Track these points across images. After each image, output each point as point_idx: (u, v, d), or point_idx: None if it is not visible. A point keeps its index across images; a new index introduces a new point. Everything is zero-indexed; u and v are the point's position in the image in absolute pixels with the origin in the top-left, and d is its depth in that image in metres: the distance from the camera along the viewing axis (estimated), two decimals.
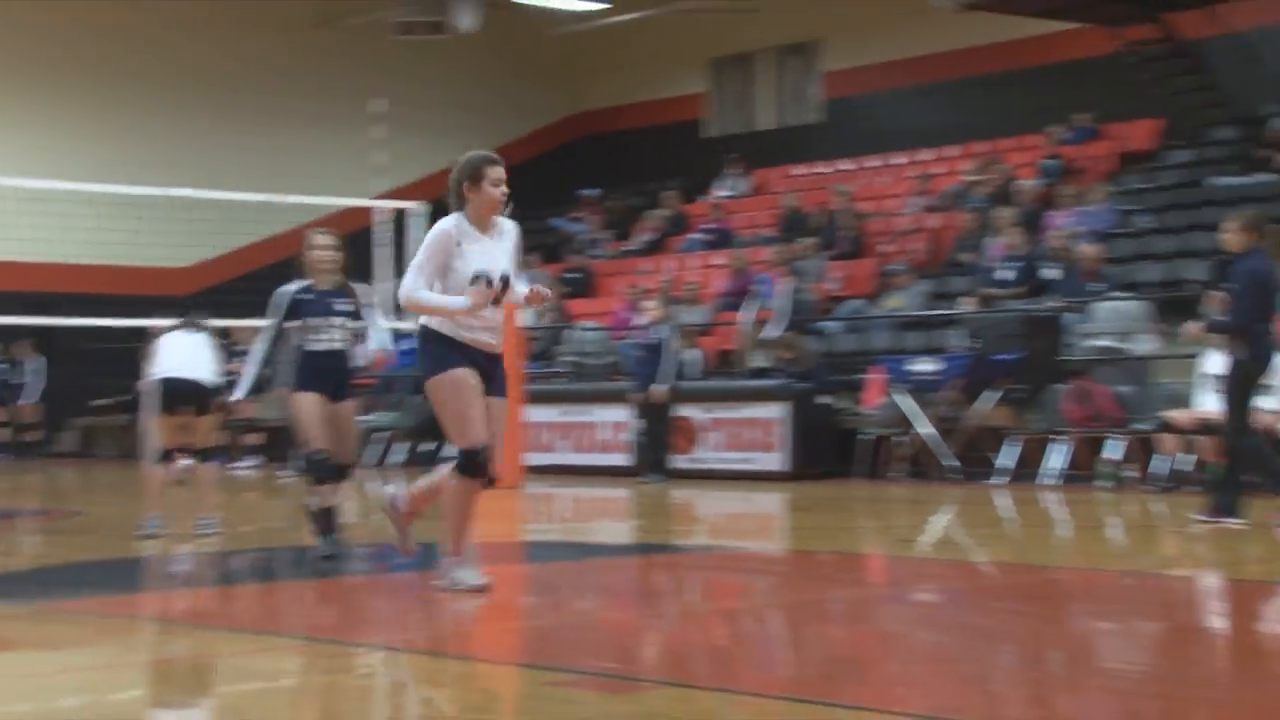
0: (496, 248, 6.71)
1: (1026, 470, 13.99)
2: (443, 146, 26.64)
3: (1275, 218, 14.48)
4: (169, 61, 24.33)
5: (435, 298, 6.61)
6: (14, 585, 7.68)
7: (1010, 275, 17.02)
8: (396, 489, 7.33)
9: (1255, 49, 19.81)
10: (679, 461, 15.72)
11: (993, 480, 14.10)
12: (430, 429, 14.46)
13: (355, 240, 9.32)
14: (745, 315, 17.42)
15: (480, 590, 6.66)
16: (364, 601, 7.20)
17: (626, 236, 23.65)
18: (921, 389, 14.96)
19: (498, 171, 6.71)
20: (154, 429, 10.08)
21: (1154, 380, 14.40)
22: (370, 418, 17.37)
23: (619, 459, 16.36)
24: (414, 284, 6.60)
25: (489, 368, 6.74)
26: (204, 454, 10.00)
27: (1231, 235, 9.77)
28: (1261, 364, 9.68)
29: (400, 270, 8.55)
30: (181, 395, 9.79)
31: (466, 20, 22.10)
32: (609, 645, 5.76)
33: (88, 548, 9.64)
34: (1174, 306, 16.46)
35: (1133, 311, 15.21)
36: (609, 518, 12.68)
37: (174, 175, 19.02)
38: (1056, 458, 13.86)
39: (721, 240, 22.01)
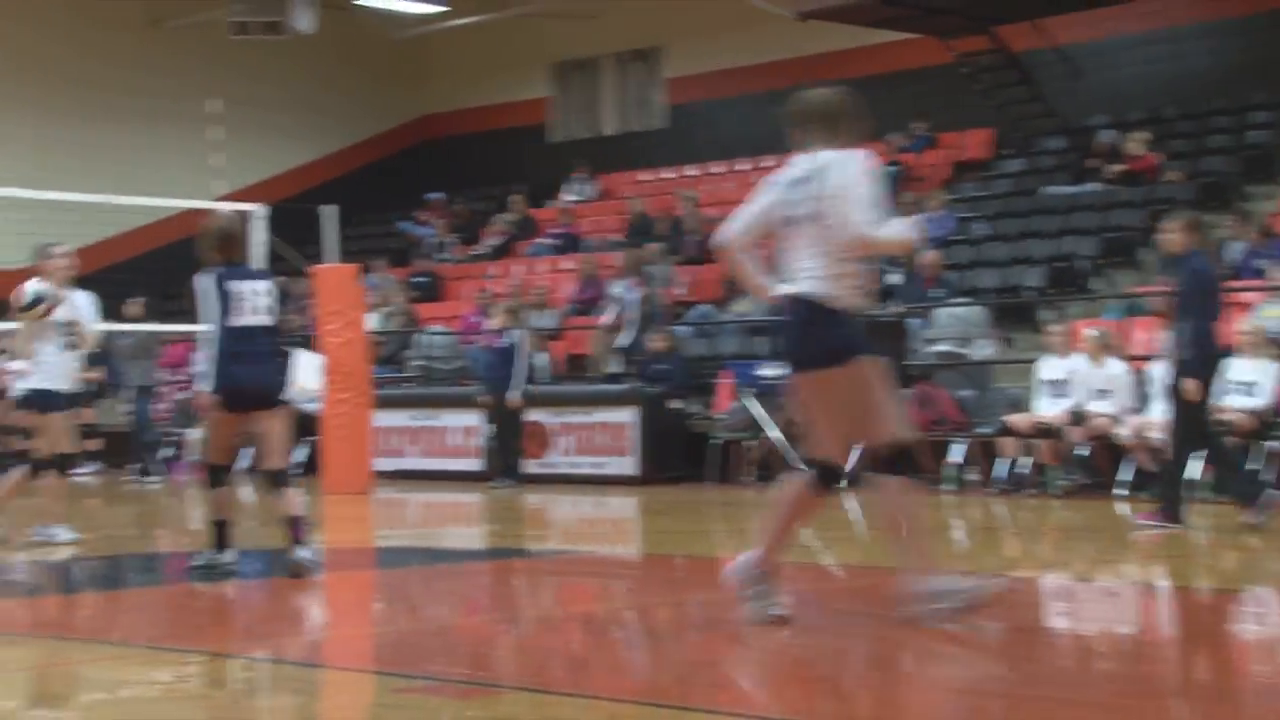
0: None
1: None
2: (285, 148, 26.30)
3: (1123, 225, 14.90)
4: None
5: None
6: None
7: None
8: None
9: (1080, 62, 20.39)
10: (531, 466, 15.68)
11: (840, 483, 14.24)
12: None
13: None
14: (605, 320, 17.43)
15: (783, 620, 5.96)
16: (222, 609, 7.05)
17: (474, 240, 23.54)
18: (770, 393, 15.10)
19: None
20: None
21: (994, 385, 14.72)
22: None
23: (470, 464, 16.28)
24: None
25: None
26: (55, 461, 9.71)
27: (1172, 238, 9.66)
28: (1209, 365, 9.60)
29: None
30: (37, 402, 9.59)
31: (303, 21, 21.76)
32: (461, 651, 5.70)
33: None
34: (1011, 312, 16.87)
35: (972, 317, 15.53)
36: (461, 523, 12.60)
37: (5, 174, 18.45)
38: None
39: (569, 245, 22.02)
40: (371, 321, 17.80)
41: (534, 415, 15.73)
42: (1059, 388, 13.07)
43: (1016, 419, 13.13)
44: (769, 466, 15.10)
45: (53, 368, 9.61)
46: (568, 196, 24.28)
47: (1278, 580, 7.97)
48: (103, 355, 16.26)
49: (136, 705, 4.85)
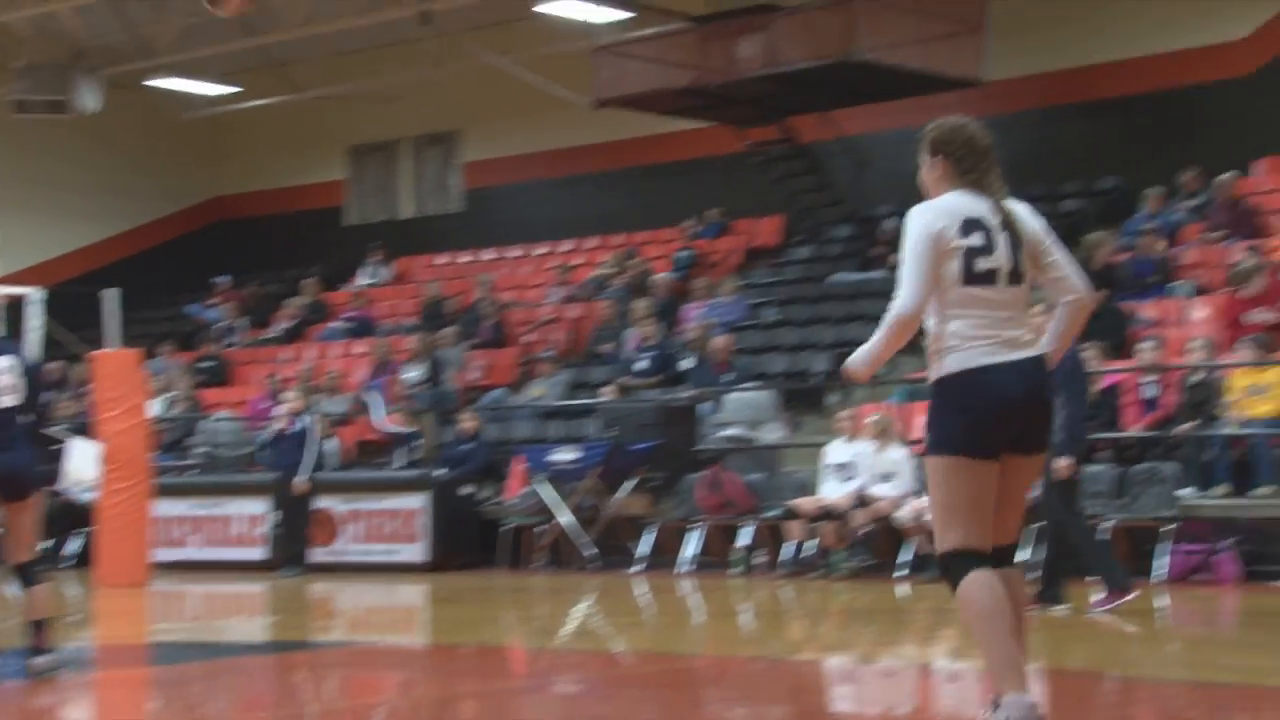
0: None
1: (664, 558, 14.26)
2: (70, 228, 25.59)
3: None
4: None
5: None
6: None
7: (646, 365, 17.45)
8: None
9: (866, 153, 21.02)
10: (318, 554, 15.37)
11: (631, 569, 14.32)
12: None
13: None
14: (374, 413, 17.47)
15: None
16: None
17: (265, 324, 23.18)
18: (562, 478, 15.10)
19: None
20: None
21: (783, 468, 14.94)
22: None
23: (255, 553, 15.91)
24: None
25: None
26: None
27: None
28: (1080, 445, 9.70)
29: None
30: None
31: (88, 100, 21.26)
32: None
33: None
34: (800, 396, 17.18)
35: (761, 401, 15.77)
36: (243, 614, 12.27)
37: None
38: (691, 545, 14.18)
39: (363, 328, 21.83)
40: (154, 407, 17.35)
41: (322, 502, 15.46)
42: (844, 471, 13.33)
43: (802, 502, 13.34)
44: (559, 552, 15.08)
45: None
46: (362, 280, 24.10)
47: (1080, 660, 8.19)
48: None
49: None
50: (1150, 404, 13.04)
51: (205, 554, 16.16)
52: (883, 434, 13.13)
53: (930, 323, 4.90)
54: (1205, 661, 7.83)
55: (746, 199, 21.92)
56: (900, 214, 20.42)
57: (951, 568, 4.81)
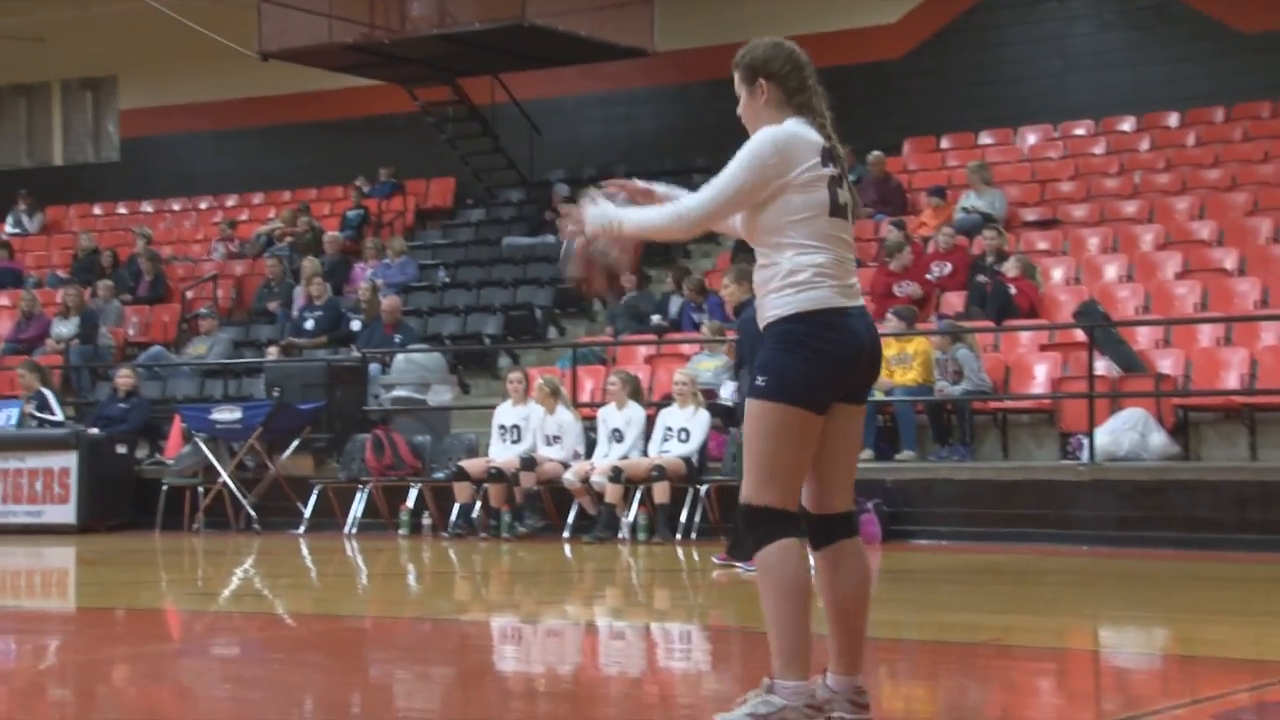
0: None
1: (329, 519, 14.05)
2: None
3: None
4: None
5: None
6: None
7: (314, 325, 17.14)
8: None
9: (539, 118, 21.14)
10: None
11: (295, 529, 14.07)
12: None
13: None
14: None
15: None
16: None
17: None
18: (223, 437, 14.70)
19: None
20: None
21: (452, 430, 14.91)
22: None
23: None
24: None
25: None
26: None
27: (730, 289, 9.86)
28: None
29: None
30: None
31: None
32: None
33: None
34: (469, 358, 17.19)
35: (430, 363, 15.69)
36: None
37: None
38: (357, 506, 14.02)
39: (11, 280, 20.77)
40: None
41: None
42: (513, 433, 13.39)
43: (470, 463, 13.35)
44: (221, 513, 14.70)
45: None
46: (8, 228, 22.90)
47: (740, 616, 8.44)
48: None
49: None
50: None
51: None
52: (551, 397, 13.25)
53: (783, 255, 4.39)
54: None
55: (418, 160, 21.76)
56: (572, 181, 20.63)
57: (760, 526, 4.37)
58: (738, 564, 9.63)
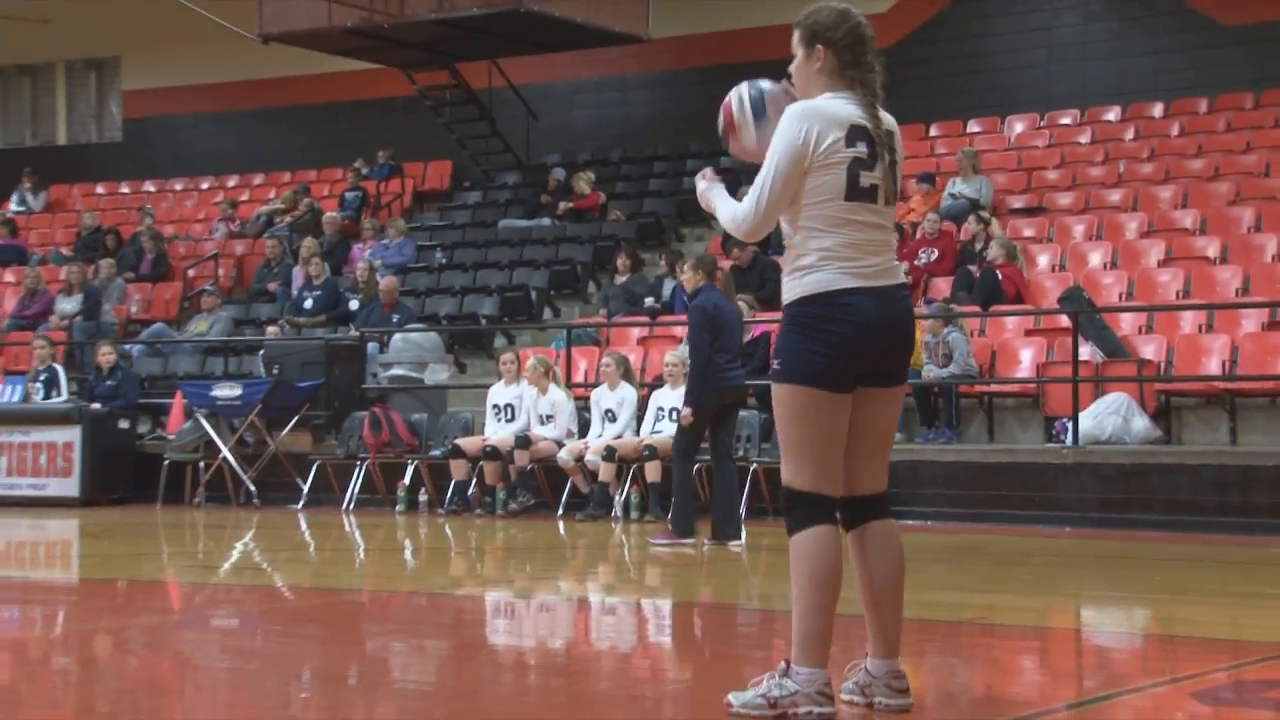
0: None
1: (328, 495, 14.06)
2: None
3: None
4: None
5: None
6: None
7: (313, 304, 17.12)
8: None
9: (535, 103, 21.10)
10: None
11: (294, 505, 14.07)
12: None
13: None
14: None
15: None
16: None
17: None
18: (224, 413, 14.70)
19: None
20: None
21: (448, 409, 14.91)
22: None
23: None
24: None
25: None
26: None
27: (685, 277, 10.20)
28: (722, 394, 9.89)
29: None
30: None
31: None
32: None
33: None
34: (466, 338, 17.18)
35: (427, 342, 15.68)
36: None
37: None
38: (355, 482, 14.02)
39: (16, 257, 20.73)
40: None
41: None
42: (507, 412, 13.39)
43: (466, 441, 13.34)
44: (221, 488, 14.70)
45: None
46: (13, 206, 22.84)
47: (694, 592, 8.46)
48: None
49: None
50: None
51: None
52: (543, 377, 13.24)
53: (795, 238, 4.35)
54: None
55: (417, 143, 21.72)
56: (567, 165, 20.71)
57: (797, 510, 4.32)
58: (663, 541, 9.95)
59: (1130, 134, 17.63)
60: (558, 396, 13.20)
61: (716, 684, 4.74)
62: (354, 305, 16.89)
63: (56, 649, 6.35)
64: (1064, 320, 13.02)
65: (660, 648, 6.52)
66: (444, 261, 18.73)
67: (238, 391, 14.60)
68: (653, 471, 12.24)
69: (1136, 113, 18.03)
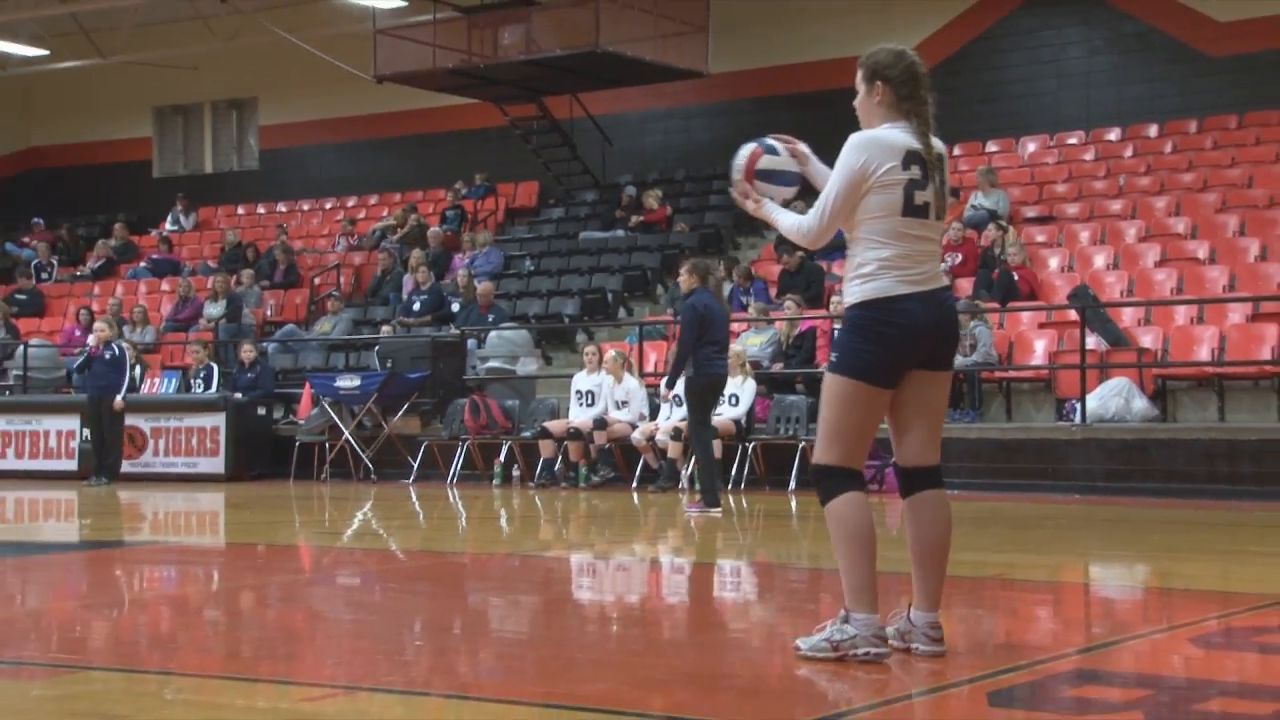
0: None
1: (434, 471, 14.15)
2: None
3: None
4: None
5: None
6: None
7: (420, 306, 17.24)
8: None
9: (610, 131, 21.12)
10: (126, 466, 14.77)
11: (405, 480, 14.17)
12: None
13: None
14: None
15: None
16: None
17: (78, 263, 22.13)
18: (345, 401, 14.84)
19: None
20: None
21: (536, 396, 14.96)
22: None
23: (66, 465, 15.21)
24: None
25: None
26: None
27: (682, 279, 10.18)
28: (710, 380, 9.97)
29: None
30: None
31: None
32: (54, 635, 5.29)
33: None
34: (551, 335, 17.22)
35: (518, 339, 15.74)
36: (54, 517, 11.71)
37: None
38: (457, 460, 14.11)
39: (168, 268, 21.03)
40: None
41: (130, 420, 14.84)
42: (588, 398, 13.41)
43: (553, 424, 13.38)
44: (343, 465, 14.85)
45: None
46: (168, 226, 23.17)
47: (763, 555, 8.43)
48: None
49: None
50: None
51: (20, 465, 15.39)
52: (620, 368, 13.25)
53: (856, 248, 4.34)
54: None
55: (508, 166, 21.80)
56: (638, 184, 20.69)
57: (826, 482, 4.32)
58: (694, 509, 9.96)
59: (1129, 152, 17.39)
60: (631, 384, 13.20)
61: (781, 631, 4.71)
62: (455, 307, 16.99)
63: (208, 603, 6.43)
64: (1072, 314, 12.87)
65: (725, 601, 6.51)
66: (532, 269, 18.79)
67: (357, 382, 14.72)
68: (715, 449, 12.20)
69: (1135, 133, 17.78)
